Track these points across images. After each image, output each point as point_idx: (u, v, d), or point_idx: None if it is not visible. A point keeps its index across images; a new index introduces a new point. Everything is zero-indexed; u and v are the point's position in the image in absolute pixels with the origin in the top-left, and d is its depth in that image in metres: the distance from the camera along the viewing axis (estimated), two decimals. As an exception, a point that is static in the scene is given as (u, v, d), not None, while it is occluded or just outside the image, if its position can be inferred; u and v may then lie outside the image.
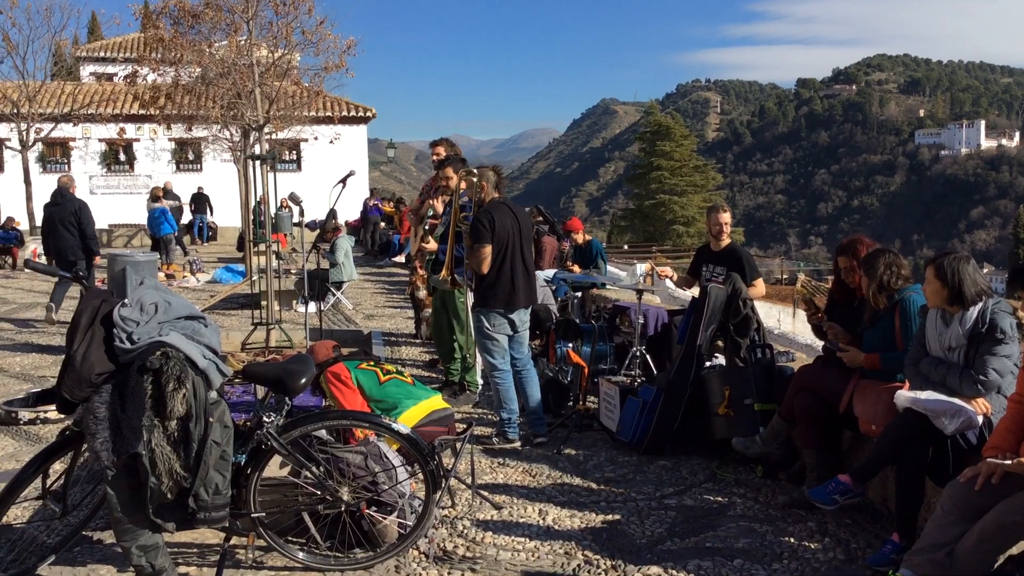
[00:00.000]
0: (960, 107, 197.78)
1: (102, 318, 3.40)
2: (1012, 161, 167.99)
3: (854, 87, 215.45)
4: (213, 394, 3.44)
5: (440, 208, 7.56)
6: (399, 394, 4.84)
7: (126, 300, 3.47)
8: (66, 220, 10.96)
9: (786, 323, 21.92)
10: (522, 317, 6.09)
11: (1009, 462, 3.33)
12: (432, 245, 7.00)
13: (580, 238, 11.00)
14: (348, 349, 9.82)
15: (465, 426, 4.61)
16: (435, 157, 7.49)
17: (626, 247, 46.40)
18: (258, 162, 10.26)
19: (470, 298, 6.83)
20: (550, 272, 10.65)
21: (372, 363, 4.99)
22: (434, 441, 4.46)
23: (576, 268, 10.62)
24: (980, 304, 4.10)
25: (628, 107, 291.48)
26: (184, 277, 16.65)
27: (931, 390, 4.12)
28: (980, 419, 3.98)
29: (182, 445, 3.29)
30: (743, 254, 6.84)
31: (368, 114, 31.38)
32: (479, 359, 7.00)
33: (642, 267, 25.17)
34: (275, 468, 4.08)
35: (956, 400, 3.98)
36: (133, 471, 3.29)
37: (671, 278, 7.28)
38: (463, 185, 6.58)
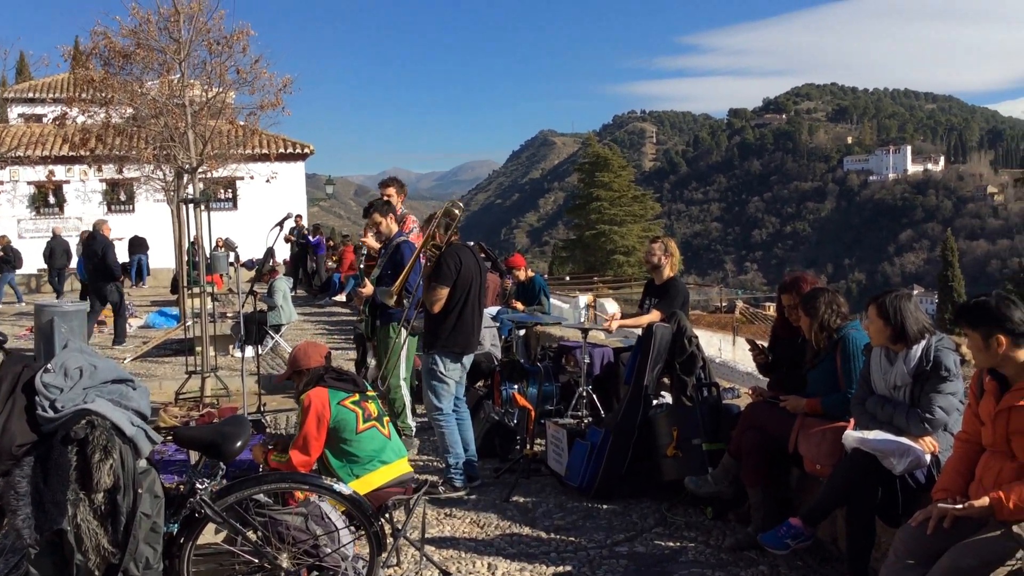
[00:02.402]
0: (887, 133, 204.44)
1: (23, 385, 3.21)
2: (938, 185, 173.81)
3: (784, 116, 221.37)
4: (142, 463, 3.27)
5: (375, 245, 7.47)
6: (372, 450, 4.52)
7: (49, 365, 3.28)
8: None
9: (727, 351, 22.12)
10: (470, 360, 6.05)
11: (959, 506, 3.31)
12: (368, 289, 6.88)
13: (523, 275, 10.92)
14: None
15: (419, 484, 4.49)
16: (386, 197, 7.35)
17: (568, 278, 46.55)
18: (193, 205, 10.04)
19: (403, 338, 6.72)
20: (493, 309, 10.56)
21: (357, 398, 4.60)
22: (388, 501, 4.33)
23: (519, 305, 10.54)
24: (924, 341, 4.12)
25: (566, 138, 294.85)
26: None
27: (878, 429, 4.12)
28: (928, 458, 3.98)
29: (109, 519, 3.10)
30: (673, 288, 6.82)
31: (306, 151, 31.11)
32: (408, 402, 6.86)
33: (584, 299, 25.29)
34: (210, 534, 3.89)
35: (904, 439, 3.98)
36: (58, 548, 3.09)
37: (613, 319, 7.22)
38: (396, 227, 6.59)
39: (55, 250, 21.81)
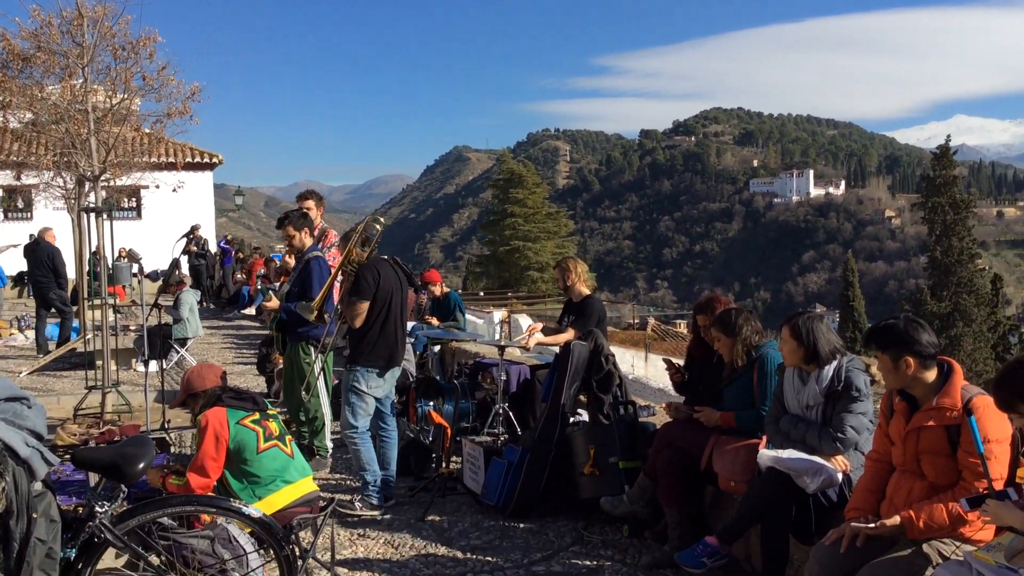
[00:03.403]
0: (791, 157, 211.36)
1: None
2: (839, 208, 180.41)
3: (693, 138, 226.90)
4: (38, 485, 3.06)
5: (292, 264, 7.29)
6: (274, 470, 4.35)
7: (-66, 384, 3.06)
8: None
9: (639, 368, 22.42)
10: (396, 375, 5.95)
11: (872, 525, 3.36)
12: (273, 303, 6.70)
13: (438, 290, 10.86)
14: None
15: (325, 503, 4.33)
16: (305, 210, 7.17)
17: (482, 293, 46.55)
18: (94, 213, 9.66)
19: (313, 356, 6.58)
20: (409, 325, 10.45)
21: (258, 417, 4.44)
22: (292, 521, 4.17)
23: (435, 320, 10.47)
24: (835, 362, 4.20)
25: (481, 154, 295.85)
26: (11, 335, 15.42)
27: (792, 448, 4.18)
28: (840, 476, 4.05)
29: (2, 544, 2.90)
30: (588, 306, 6.85)
31: (214, 160, 30.33)
32: (327, 421, 6.71)
33: (499, 315, 25.29)
34: (110, 559, 3.69)
35: (816, 458, 4.04)
36: (-58, 578, 2.88)
37: (531, 334, 7.19)
38: (310, 241, 6.47)
39: None
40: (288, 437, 4.48)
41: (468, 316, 23.83)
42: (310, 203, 7.17)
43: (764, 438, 4.48)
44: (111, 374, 9.12)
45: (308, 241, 6.76)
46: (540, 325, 7.60)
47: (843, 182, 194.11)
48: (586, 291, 7.04)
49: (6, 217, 28.67)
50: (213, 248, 25.87)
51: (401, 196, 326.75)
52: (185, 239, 8.24)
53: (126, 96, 16.07)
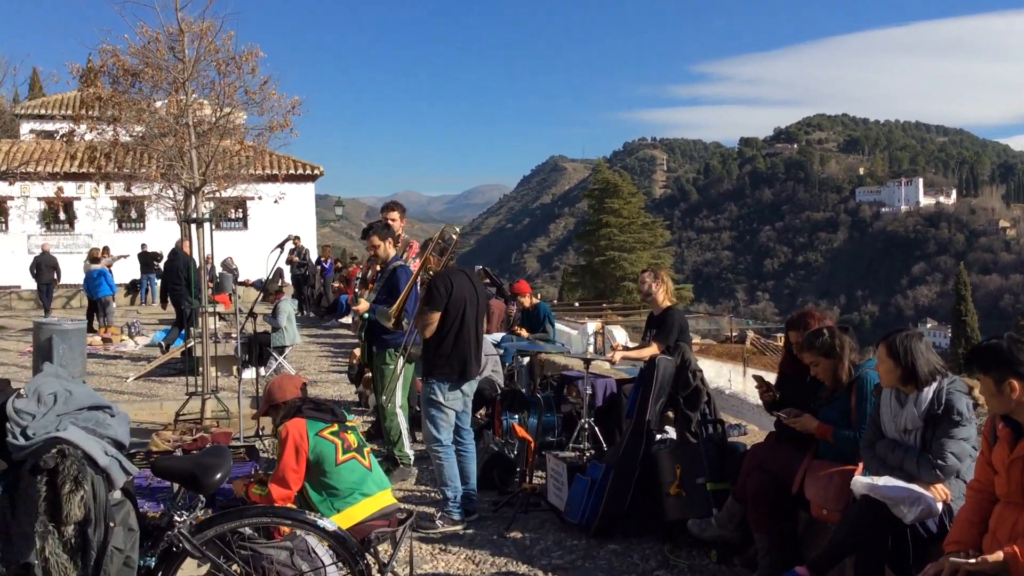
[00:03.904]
0: (898, 165, 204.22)
1: (-6, 411, 3.08)
2: (950, 218, 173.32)
3: (795, 146, 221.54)
4: (116, 494, 3.12)
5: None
6: (352, 483, 4.36)
7: (22, 390, 3.15)
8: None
9: (737, 383, 21.90)
10: (472, 388, 5.91)
11: (972, 561, 3.14)
12: (364, 306, 6.76)
13: (527, 301, 10.79)
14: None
15: (404, 516, 4.32)
16: (388, 221, 7.25)
17: (577, 304, 46.37)
18: (195, 224, 9.97)
19: (399, 365, 6.60)
20: (497, 336, 10.43)
21: (336, 429, 4.45)
22: (370, 534, 4.17)
23: (524, 332, 10.41)
24: (935, 384, 3.96)
25: (577, 164, 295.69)
26: (121, 340, 16.08)
27: (887, 474, 3.95)
28: (940, 506, 3.81)
29: (79, 553, 2.95)
30: (669, 318, 6.67)
31: (316, 172, 31.15)
32: (404, 431, 6.71)
33: (592, 326, 25.13)
34: (191, 568, 3.75)
35: (914, 486, 3.81)
36: (25, 583, 2.95)
37: (616, 351, 7.08)
38: (393, 251, 6.52)
39: (42, 265, 21.82)
40: (367, 449, 4.49)
41: (562, 327, 23.77)
42: (394, 214, 7.22)
43: (860, 464, 4.26)
44: (213, 381, 9.41)
45: (392, 251, 6.83)
46: (621, 344, 7.47)
47: (954, 191, 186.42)
48: (667, 303, 6.90)
49: (120, 227, 30.02)
50: (314, 258, 26.50)
51: (498, 206, 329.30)
52: (279, 249, 8.37)
53: (230, 110, 16.65)
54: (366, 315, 6.78)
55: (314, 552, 3.84)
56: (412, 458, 6.79)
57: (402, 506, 4.84)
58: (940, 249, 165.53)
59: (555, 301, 51.81)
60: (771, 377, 5.73)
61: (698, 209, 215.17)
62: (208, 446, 4.61)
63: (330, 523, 3.58)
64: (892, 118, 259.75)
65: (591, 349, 22.59)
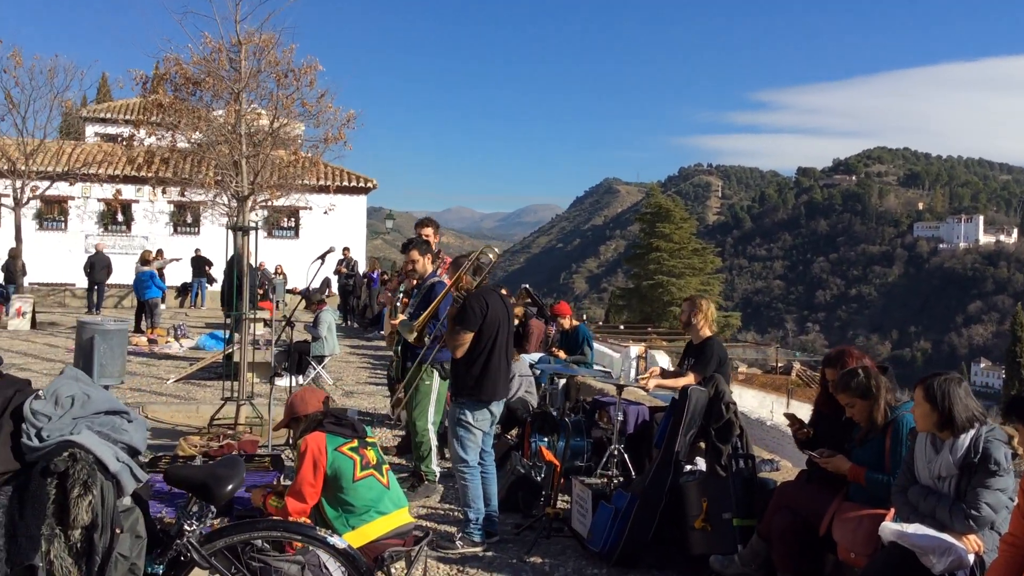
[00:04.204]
0: (959, 202, 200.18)
1: (12, 410, 3.10)
2: (1010, 257, 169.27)
3: (854, 178, 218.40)
4: (126, 500, 3.12)
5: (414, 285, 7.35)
6: (369, 500, 4.31)
7: (40, 392, 3.17)
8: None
9: (779, 415, 21.50)
10: (500, 409, 5.87)
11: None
12: (398, 320, 6.75)
13: (567, 323, 10.74)
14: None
15: (421, 535, 4.27)
16: (425, 237, 7.25)
17: (622, 327, 46.10)
18: (242, 232, 10.10)
19: (435, 382, 6.58)
20: (535, 356, 10.37)
21: (356, 444, 4.43)
22: (384, 553, 4.14)
23: (561, 353, 10.34)
24: (972, 431, 3.81)
25: (630, 187, 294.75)
26: (167, 342, 16.33)
27: (918, 522, 3.81)
28: (972, 558, 3.66)
29: (84, 557, 2.95)
30: (708, 348, 6.53)
31: (369, 184, 31.45)
32: (434, 447, 6.67)
33: (635, 350, 24.92)
34: (203, 576, 3.74)
35: (945, 536, 3.67)
36: (29, 584, 2.96)
37: (651, 376, 6.95)
38: (431, 267, 6.49)
39: (95, 265, 22.26)
40: (386, 467, 4.45)
41: (605, 349, 23.62)
42: (429, 230, 7.22)
43: (892, 509, 4.11)
44: (249, 387, 9.48)
45: (430, 267, 6.82)
46: (659, 369, 7.32)
47: (1015, 230, 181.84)
48: (708, 333, 6.76)
49: (175, 231, 30.59)
50: (362, 270, 26.73)
51: (550, 226, 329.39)
52: (320, 260, 8.43)
53: (286, 121, 16.89)
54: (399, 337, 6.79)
55: (325, 568, 3.81)
56: (438, 475, 6.74)
57: (420, 524, 4.79)
58: (998, 288, 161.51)
59: (600, 323, 51.57)
60: (807, 413, 5.59)
61: (751, 237, 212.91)
62: (222, 456, 4.59)
63: (341, 540, 3.55)
64: (955, 153, 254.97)
65: (632, 373, 22.46)
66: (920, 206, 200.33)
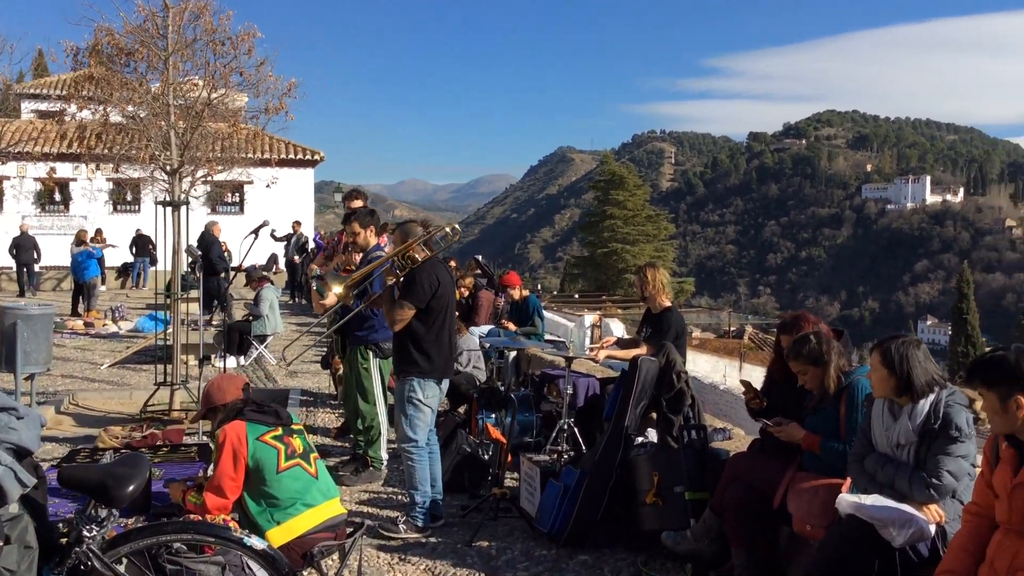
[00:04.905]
0: (907, 163, 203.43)
1: None
2: (956, 216, 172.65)
3: (804, 142, 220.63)
4: (13, 507, 2.80)
5: (356, 261, 6.99)
6: (295, 492, 3.99)
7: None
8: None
9: (732, 378, 21.58)
10: (446, 387, 5.61)
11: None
12: (331, 300, 6.41)
13: (517, 294, 10.47)
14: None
15: (354, 527, 4.00)
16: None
17: (576, 296, 46.04)
18: (172, 208, 9.67)
19: (373, 362, 6.29)
20: (485, 328, 10.11)
21: (280, 432, 4.09)
22: (313, 548, 3.86)
23: (511, 325, 10.09)
24: (932, 396, 3.63)
25: (585, 155, 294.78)
26: (104, 325, 15.77)
27: (876, 492, 3.63)
28: (933, 528, 3.48)
29: (-37, 574, 2.64)
30: (666, 319, 6.32)
31: (316, 157, 30.78)
32: (384, 431, 6.40)
33: (590, 318, 24.83)
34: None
35: (905, 507, 3.49)
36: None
37: (602, 346, 6.73)
38: (375, 240, 6.14)
39: (21, 246, 21.54)
40: (314, 455, 4.14)
41: (559, 318, 23.48)
42: (358, 202, 6.89)
43: (848, 479, 3.93)
44: (184, 370, 9.09)
45: (373, 240, 6.46)
46: (614, 339, 7.09)
47: (962, 189, 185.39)
48: (666, 302, 6.54)
49: (115, 209, 29.69)
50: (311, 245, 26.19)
51: (504, 196, 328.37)
52: (253, 235, 8.06)
53: (223, 91, 16.30)
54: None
55: (248, 568, 3.53)
56: (385, 460, 6.47)
57: (354, 515, 4.52)
58: (944, 247, 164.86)
59: (555, 292, 51.47)
60: (759, 376, 5.41)
61: (704, 203, 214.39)
62: (123, 454, 4.24)
63: (259, 541, 3.26)
64: (903, 115, 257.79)
65: (587, 342, 22.33)
66: (868, 168, 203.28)
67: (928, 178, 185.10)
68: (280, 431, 4.03)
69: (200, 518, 3.71)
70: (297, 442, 4.07)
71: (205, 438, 6.54)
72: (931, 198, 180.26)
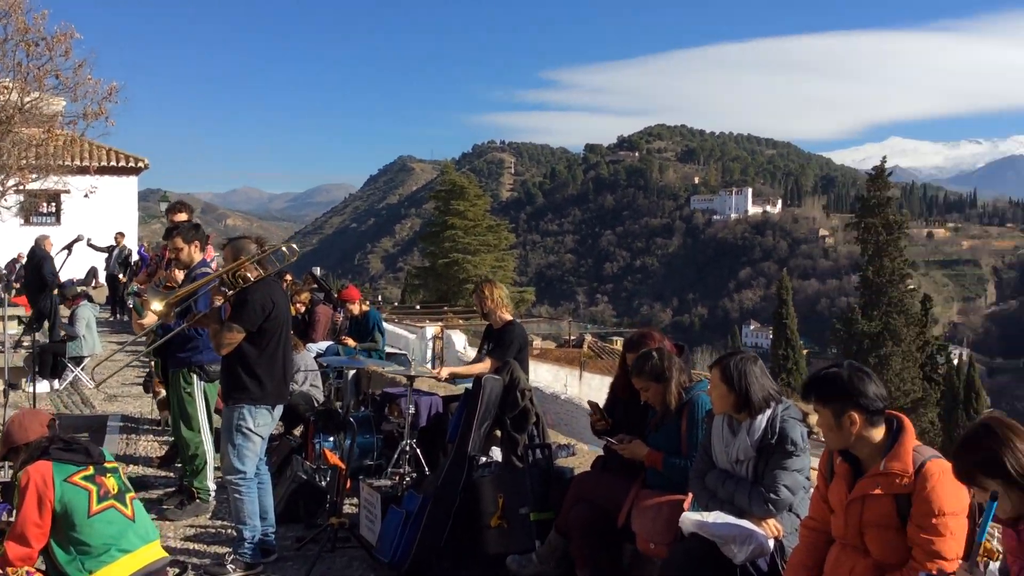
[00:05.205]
0: (730, 175, 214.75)
1: None
2: (775, 226, 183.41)
3: (636, 154, 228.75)
4: None
5: (179, 278, 6.54)
6: (109, 537, 3.63)
7: None
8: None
9: (573, 387, 21.90)
10: (280, 413, 5.27)
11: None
12: (149, 320, 5.97)
13: (356, 309, 10.15)
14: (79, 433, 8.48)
15: (179, 570, 3.67)
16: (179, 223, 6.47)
17: (418, 307, 45.74)
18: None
19: (198, 386, 5.91)
20: (323, 345, 9.77)
21: (91, 472, 3.71)
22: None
23: (351, 341, 9.77)
24: (769, 411, 3.67)
25: (425, 165, 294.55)
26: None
27: (718, 508, 3.64)
28: (772, 543, 3.52)
29: None
30: (508, 334, 6.27)
31: (140, 164, 29.16)
32: (211, 460, 5.99)
33: (431, 330, 24.63)
34: None
35: (745, 523, 3.51)
36: None
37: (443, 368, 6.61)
38: (200, 256, 5.75)
39: None
40: (130, 495, 3.77)
41: (401, 331, 23.14)
42: (182, 215, 6.47)
43: (690, 495, 3.93)
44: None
45: (197, 256, 6.05)
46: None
47: (780, 201, 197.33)
48: (507, 316, 6.48)
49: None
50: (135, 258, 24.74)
51: (343, 205, 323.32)
52: (67, 251, 7.44)
53: (38, 95, 15.15)
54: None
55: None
56: (212, 491, 6.05)
57: (176, 559, 4.16)
58: (765, 255, 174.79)
59: (396, 303, 50.98)
60: (599, 385, 5.38)
61: (543, 213, 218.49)
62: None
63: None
64: (727, 130, 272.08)
65: (429, 353, 22.14)
66: (696, 180, 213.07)
67: (750, 190, 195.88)
68: (91, 470, 3.63)
69: (2, 571, 3.31)
70: (111, 482, 3.69)
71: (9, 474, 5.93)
72: (753, 209, 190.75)
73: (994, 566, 2.96)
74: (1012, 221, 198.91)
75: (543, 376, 22.17)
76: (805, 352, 61.19)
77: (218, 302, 5.10)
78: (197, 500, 5.94)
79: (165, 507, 5.89)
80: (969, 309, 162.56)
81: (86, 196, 19.38)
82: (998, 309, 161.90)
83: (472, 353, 15.65)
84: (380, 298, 50.83)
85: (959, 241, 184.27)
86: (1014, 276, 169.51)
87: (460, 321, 34.24)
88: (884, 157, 46.64)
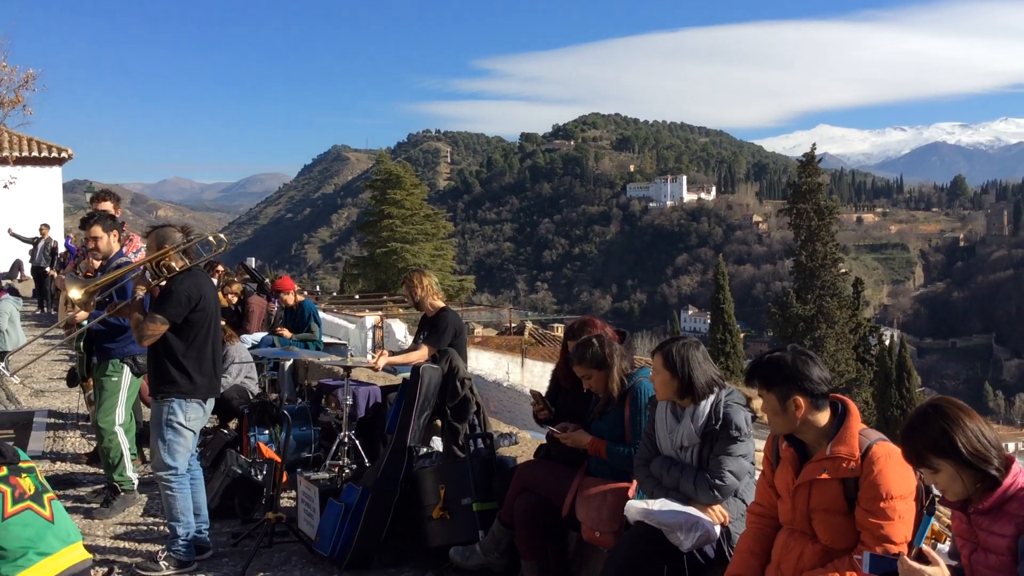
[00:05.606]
0: (665, 163, 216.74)
1: None
2: (710, 213, 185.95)
3: (572, 143, 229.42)
4: None
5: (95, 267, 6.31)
6: (26, 540, 3.44)
7: None
8: None
9: (515, 374, 21.92)
10: (211, 407, 5.10)
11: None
12: (82, 315, 5.74)
13: (291, 299, 9.93)
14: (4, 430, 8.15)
15: (107, 570, 3.50)
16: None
17: (357, 296, 45.31)
18: None
19: (126, 378, 5.70)
20: (258, 336, 9.55)
21: (5, 472, 3.50)
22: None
23: (287, 332, 9.56)
24: (712, 396, 3.64)
25: (361, 154, 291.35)
26: None
27: (663, 495, 3.60)
28: (718, 530, 3.49)
29: None
30: (442, 320, 6.21)
31: (63, 155, 28.26)
32: (126, 451, 5.78)
33: (371, 319, 24.39)
34: None
35: (691, 510, 3.47)
36: None
37: (380, 355, 6.49)
38: (118, 246, 5.54)
39: None
40: (48, 496, 3.58)
41: (340, 320, 22.84)
42: (108, 204, 6.23)
43: (635, 483, 3.89)
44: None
45: (116, 246, 5.84)
46: (387, 352, 6.86)
47: (714, 188, 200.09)
48: (439, 303, 6.41)
49: None
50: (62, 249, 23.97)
51: (277, 195, 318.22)
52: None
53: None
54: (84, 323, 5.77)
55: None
56: (136, 483, 5.84)
57: (106, 555, 3.98)
58: (701, 241, 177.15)
59: (335, 293, 50.41)
60: (541, 371, 5.32)
61: (481, 201, 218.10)
62: None
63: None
64: (660, 119, 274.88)
65: (369, 343, 21.90)
66: (632, 168, 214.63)
67: (684, 178, 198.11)
68: (5, 471, 3.44)
69: None
70: (27, 482, 3.50)
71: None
72: (688, 196, 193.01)
73: (943, 547, 2.97)
74: (937, 205, 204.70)
75: (485, 363, 22.15)
76: (742, 336, 62.21)
77: (141, 292, 4.91)
78: (122, 494, 5.73)
79: (91, 506, 5.68)
80: (898, 291, 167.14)
81: (5, 187, 18.73)
82: (926, 291, 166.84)
83: (412, 342, 15.51)
84: (319, 288, 50.23)
85: (887, 225, 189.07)
86: (941, 259, 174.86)
87: (400, 310, 33.98)
88: (814, 144, 47.44)
